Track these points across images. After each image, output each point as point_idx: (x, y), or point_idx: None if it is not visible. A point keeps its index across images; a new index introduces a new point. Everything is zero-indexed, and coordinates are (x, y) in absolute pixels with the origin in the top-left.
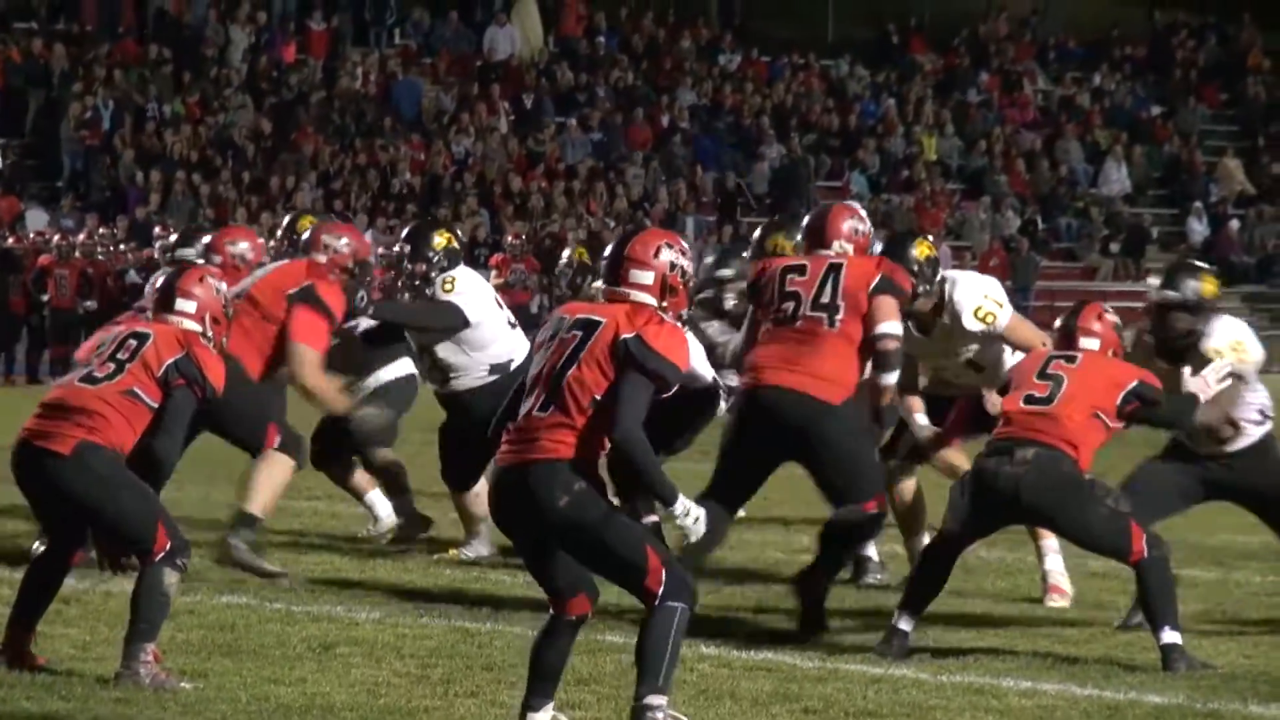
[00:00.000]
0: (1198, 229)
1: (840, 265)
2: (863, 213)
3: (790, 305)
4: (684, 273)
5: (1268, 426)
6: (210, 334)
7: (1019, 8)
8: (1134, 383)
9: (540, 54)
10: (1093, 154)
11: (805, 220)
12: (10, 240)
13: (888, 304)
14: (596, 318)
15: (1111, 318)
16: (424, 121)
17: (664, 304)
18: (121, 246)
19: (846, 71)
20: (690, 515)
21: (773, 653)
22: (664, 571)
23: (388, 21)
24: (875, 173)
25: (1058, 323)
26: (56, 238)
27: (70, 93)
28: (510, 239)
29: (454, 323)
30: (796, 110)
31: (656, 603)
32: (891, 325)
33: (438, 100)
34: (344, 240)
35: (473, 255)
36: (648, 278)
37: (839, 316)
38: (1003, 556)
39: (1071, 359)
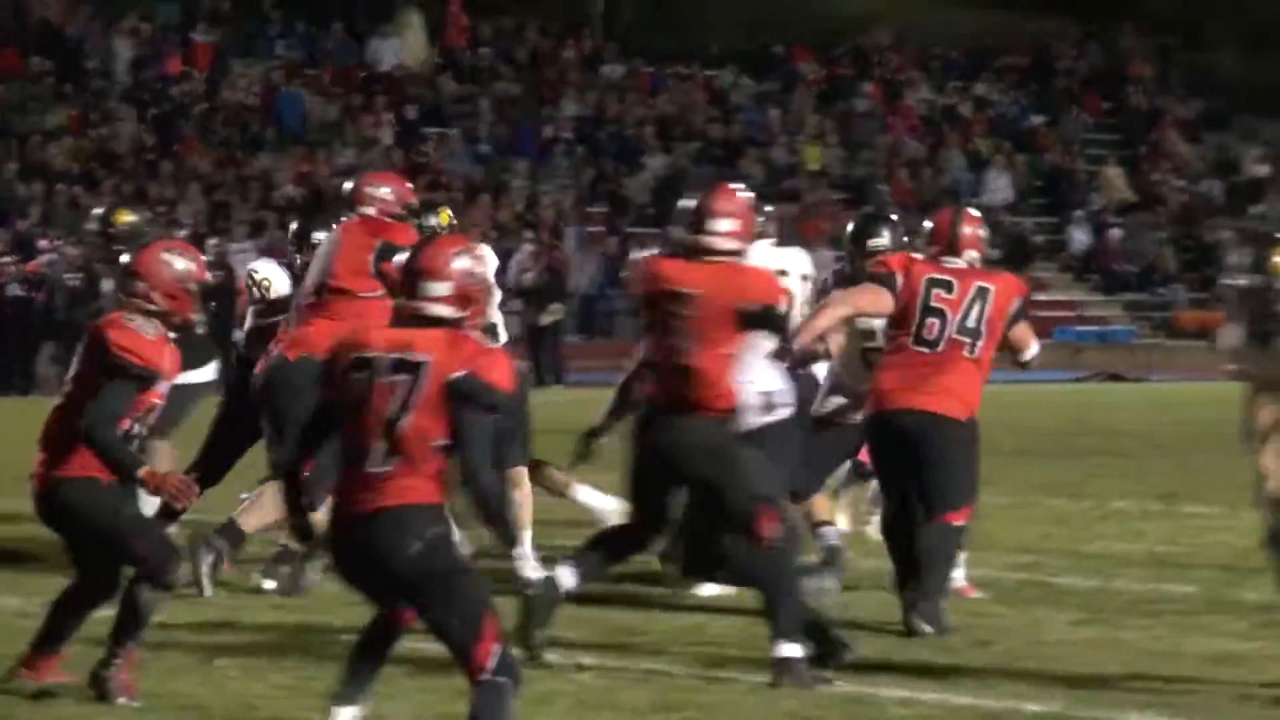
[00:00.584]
0: (1079, 237)
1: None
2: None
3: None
4: (482, 281)
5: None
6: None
7: (901, 18)
8: None
9: (425, 65)
10: (975, 163)
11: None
12: None
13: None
14: (416, 357)
15: None
16: (307, 133)
17: (464, 315)
18: (4, 259)
19: (730, 82)
20: (529, 562)
21: (652, 662)
22: (498, 645)
23: (270, 34)
24: (759, 182)
25: None
26: None
27: None
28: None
29: None
30: (680, 120)
31: (483, 676)
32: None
33: (321, 112)
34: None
35: None
36: (444, 289)
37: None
38: (877, 567)
39: None
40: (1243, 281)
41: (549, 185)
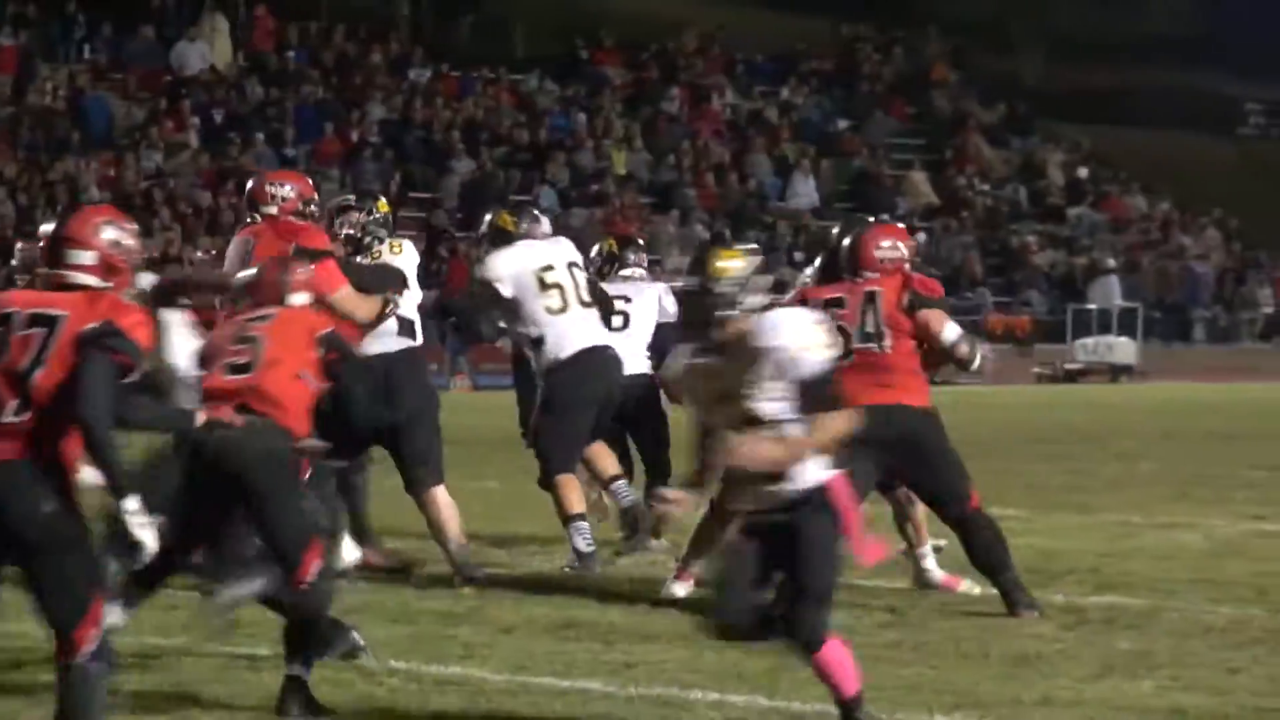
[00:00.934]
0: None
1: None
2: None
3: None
4: (129, 251)
5: None
6: None
7: (707, 23)
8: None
9: (230, 69)
10: (781, 167)
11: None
12: None
13: None
14: (54, 311)
15: None
16: (114, 137)
17: (109, 285)
18: None
19: (536, 86)
20: (139, 518)
21: (461, 667)
22: (98, 630)
23: (76, 37)
24: (565, 186)
25: None
26: None
27: None
28: (200, 254)
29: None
30: (487, 125)
31: (77, 659)
32: None
33: (127, 115)
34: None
35: (163, 271)
36: (88, 258)
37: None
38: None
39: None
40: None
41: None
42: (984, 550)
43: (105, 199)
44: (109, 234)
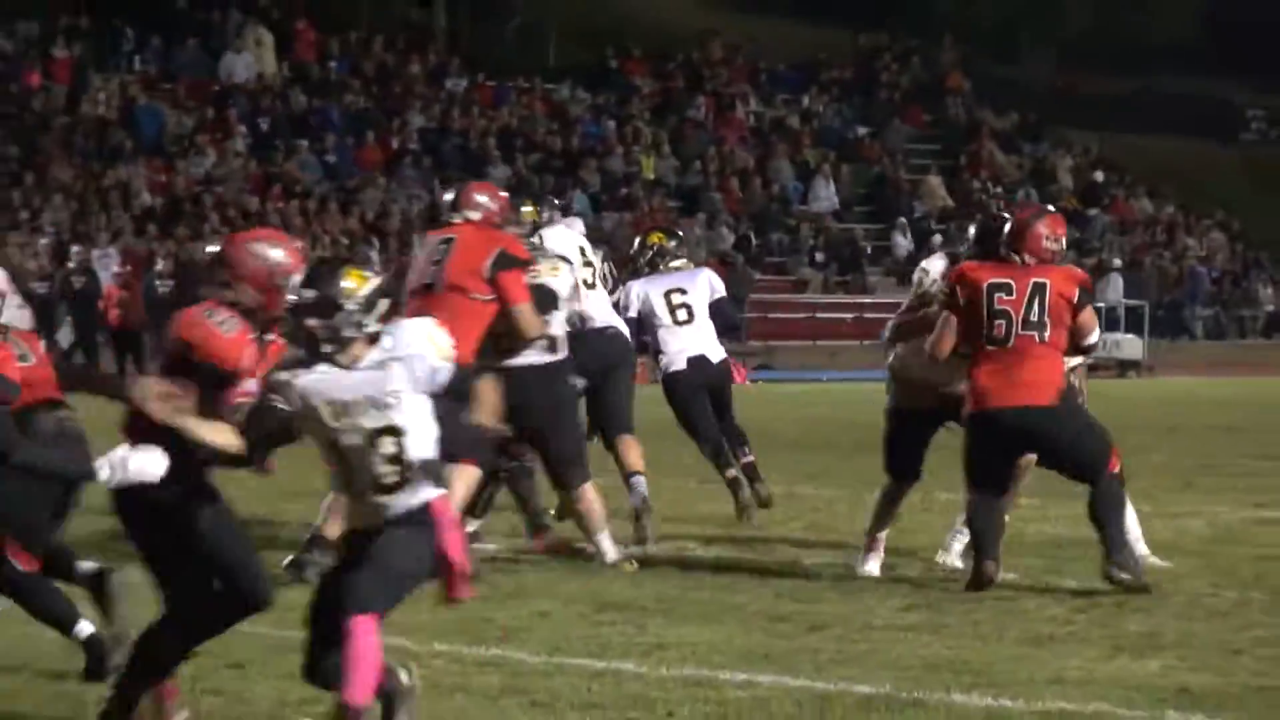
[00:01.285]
0: (903, 243)
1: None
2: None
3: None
4: None
5: None
6: None
7: (732, 34)
8: None
9: (274, 79)
10: (803, 172)
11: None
12: None
13: None
14: None
15: None
16: (164, 145)
17: None
18: None
19: (568, 95)
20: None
21: (500, 649)
22: None
23: (125, 49)
24: (596, 191)
25: None
26: None
27: None
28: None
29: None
30: (521, 132)
31: None
32: None
33: (178, 124)
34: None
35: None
36: None
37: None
38: (720, 555)
39: None
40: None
41: (399, 195)
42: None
43: (157, 204)
44: None
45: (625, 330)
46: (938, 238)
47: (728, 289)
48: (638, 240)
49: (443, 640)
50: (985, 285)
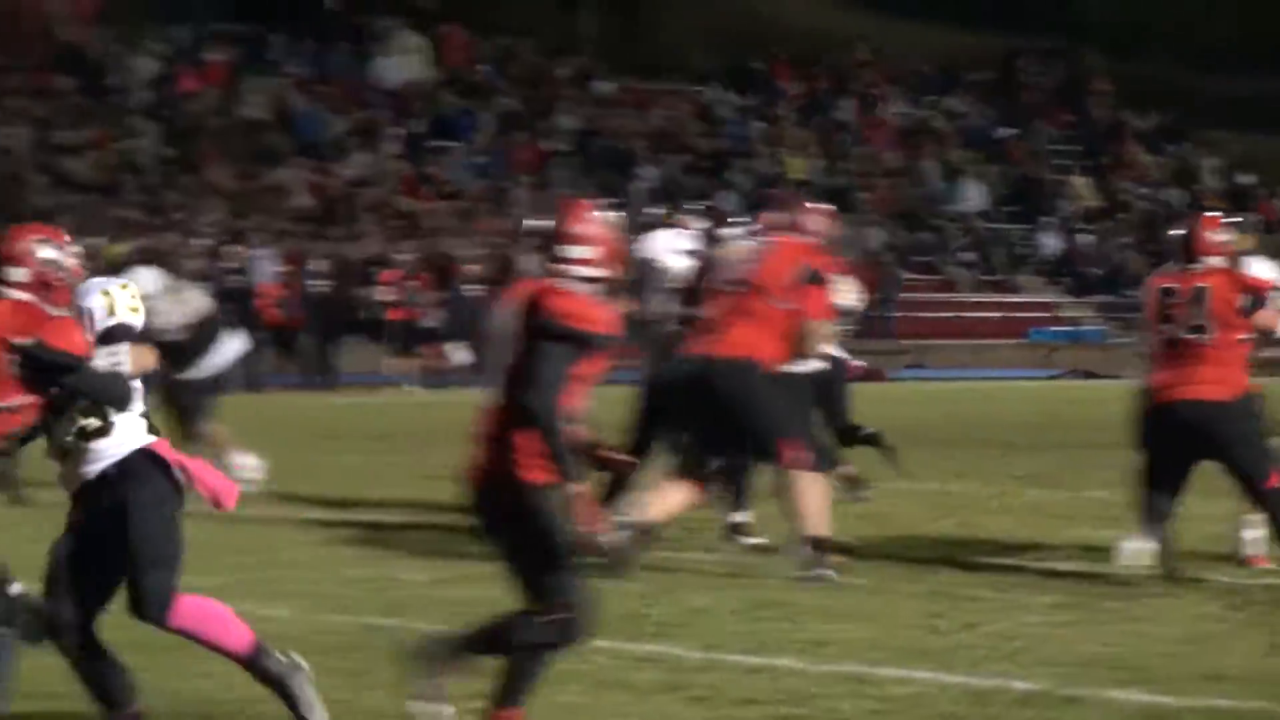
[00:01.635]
0: (1049, 243)
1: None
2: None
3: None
4: (59, 267)
5: None
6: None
7: (877, 37)
8: None
9: (426, 82)
10: (949, 173)
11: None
12: None
13: None
14: None
15: None
16: (319, 146)
17: (47, 300)
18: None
19: (715, 97)
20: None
21: (656, 645)
22: None
23: (278, 53)
24: (745, 191)
25: None
26: None
27: None
28: (401, 257)
29: None
30: (670, 134)
31: None
32: None
33: (332, 126)
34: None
35: (366, 273)
36: (20, 274)
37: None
38: (873, 553)
39: None
40: None
41: (548, 195)
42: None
43: (312, 206)
44: (44, 252)
45: None
46: (1084, 236)
47: (877, 288)
48: None
49: (602, 636)
50: (1159, 290)
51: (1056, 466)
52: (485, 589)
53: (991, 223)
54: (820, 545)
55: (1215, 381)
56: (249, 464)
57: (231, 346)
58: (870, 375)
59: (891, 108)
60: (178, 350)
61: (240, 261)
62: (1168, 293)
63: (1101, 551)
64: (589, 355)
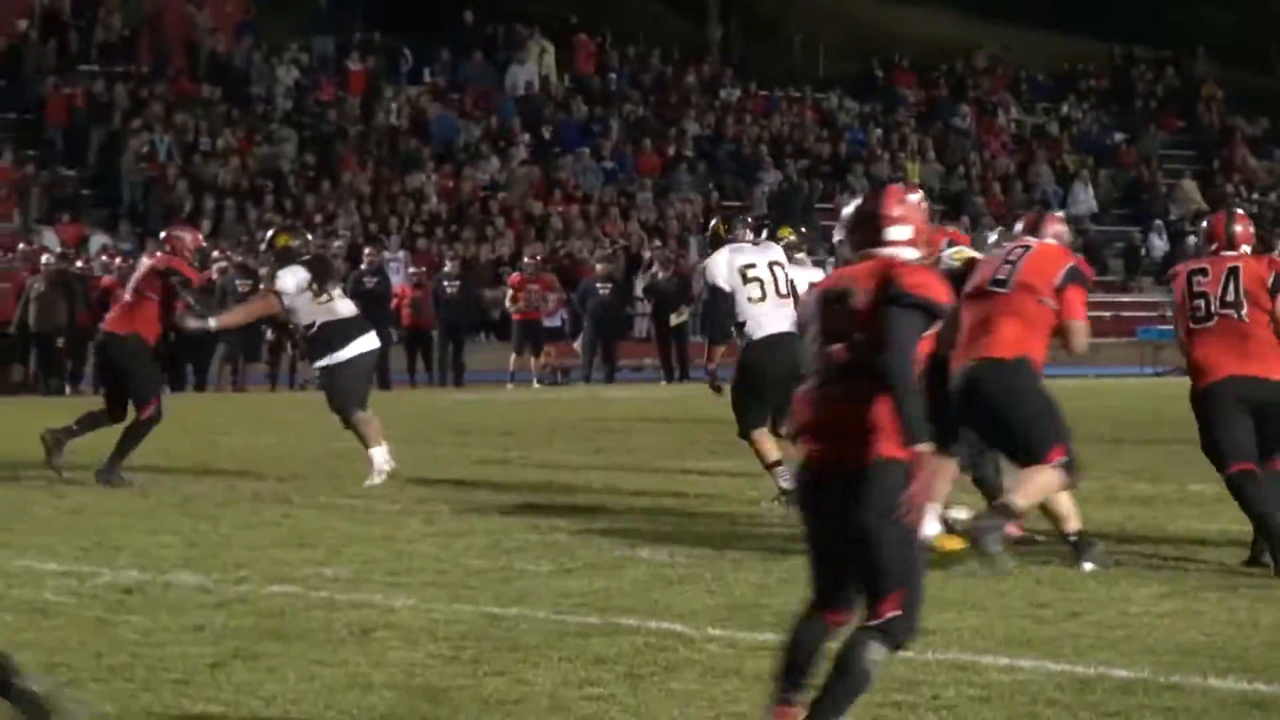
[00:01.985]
0: (1158, 244)
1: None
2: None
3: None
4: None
5: None
6: None
7: (993, 45)
8: None
9: (556, 90)
10: (1062, 177)
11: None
12: (78, 263)
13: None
14: None
15: None
16: (452, 152)
17: None
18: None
19: (836, 104)
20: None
21: (772, 634)
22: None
23: (414, 62)
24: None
25: None
26: (118, 260)
27: (130, 128)
28: (525, 260)
29: None
30: (791, 139)
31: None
32: None
33: (465, 132)
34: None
35: (497, 275)
36: None
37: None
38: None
39: None
40: None
41: (675, 199)
42: None
43: (445, 210)
44: None
45: None
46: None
47: None
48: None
49: (717, 625)
50: (1188, 272)
51: (1163, 460)
52: (606, 579)
53: (1102, 225)
54: (1082, 538)
55: (1260, 358)
56: (380, 456)
57: (366, 342)
58: None
59: (1007, 114)
60: (316, 343)
61: (376, 264)
62: (1199, 272)
63: (1203, 543)
64: (930, 329)
